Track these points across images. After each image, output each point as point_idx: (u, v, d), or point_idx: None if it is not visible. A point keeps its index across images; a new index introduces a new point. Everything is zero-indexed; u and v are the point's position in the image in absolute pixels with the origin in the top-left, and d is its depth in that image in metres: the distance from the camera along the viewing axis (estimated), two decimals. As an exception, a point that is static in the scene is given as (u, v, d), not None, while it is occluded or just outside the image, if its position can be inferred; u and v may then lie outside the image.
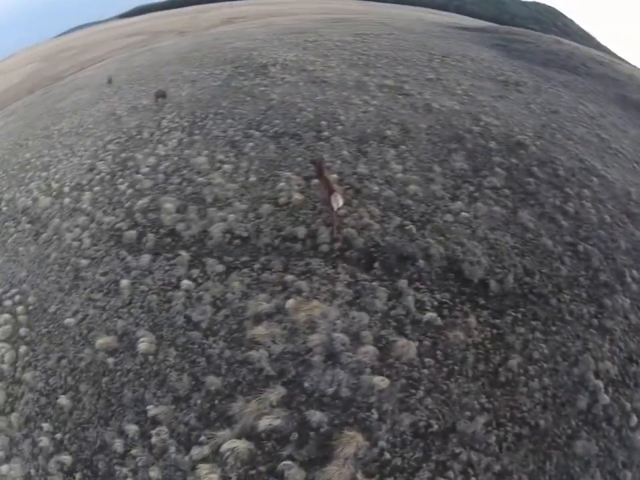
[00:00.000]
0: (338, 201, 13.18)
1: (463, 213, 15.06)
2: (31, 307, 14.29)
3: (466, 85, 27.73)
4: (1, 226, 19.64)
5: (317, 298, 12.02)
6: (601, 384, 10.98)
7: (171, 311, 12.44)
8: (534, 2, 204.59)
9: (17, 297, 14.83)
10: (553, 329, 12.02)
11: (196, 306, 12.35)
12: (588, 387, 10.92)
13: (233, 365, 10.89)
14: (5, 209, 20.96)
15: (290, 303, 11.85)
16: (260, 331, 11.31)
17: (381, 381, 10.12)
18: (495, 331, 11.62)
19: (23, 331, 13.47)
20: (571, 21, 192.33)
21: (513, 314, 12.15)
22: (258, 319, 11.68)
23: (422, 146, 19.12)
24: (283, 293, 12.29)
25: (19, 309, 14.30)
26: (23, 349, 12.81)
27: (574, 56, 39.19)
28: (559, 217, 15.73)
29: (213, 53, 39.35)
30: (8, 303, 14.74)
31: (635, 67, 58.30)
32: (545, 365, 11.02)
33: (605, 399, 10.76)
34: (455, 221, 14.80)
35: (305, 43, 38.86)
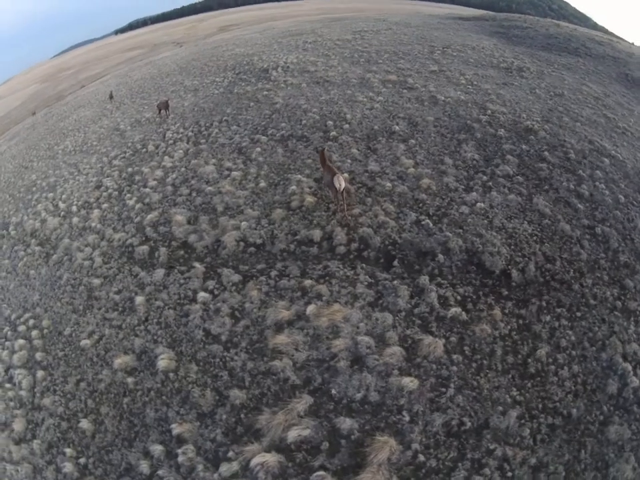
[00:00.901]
0: (340, 182, 13.51)
1: (479, 204, 14.72)
2: (45, 331, 14.00)
3: (469, 74, 27.36)
4: (11, 250, 19.41)
5: (337, 301, 11.65)
6: (629, 367, 10.67)
7: (189, 325, 12.10)
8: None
9: (31, 322, 14.55)
10: (578, 314, 11.70)
11: (214, 318, 11.97)
12: (617, 370, 10.61)
13: (256, 376, 10.51)
14: (13, 232, 20.71)
15: (311, 308, 11.49)
16: (282, 339, 10.95)
17: (410, 382, 9.78)
18: (520, 321, 11.31)
19: (39, 355, 13.15)
20: (566, 3, 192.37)
21: (537, 302, 11.82)
22: (279, 327, 11.32)
23: (431, 139, 18.80)
24: (302, 299, 11.93)
25: (34, 333, 14.01)
26: (40, 374, 12.50)
27: (573, 38, 38.75)
28: (575, 201, 15.37)
29: (213, 61, 39.36)
30: (22, 328, 14.45)
31: (633, 44, 57.80)
32: (574, 352, 10.80)
33: (635, 381, 10.43)
34: (471, 212, 14.45)
35: (305, 44, 38.86)
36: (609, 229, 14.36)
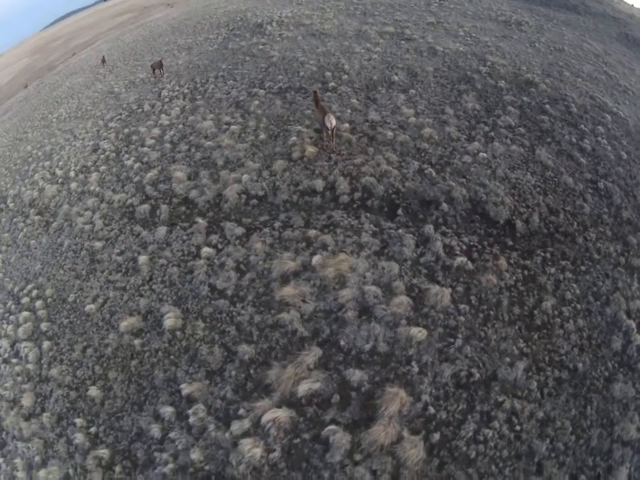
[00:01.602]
0: (331, 120, 14.08)
1: (481, 154, 14.47)
2: (49, 300, 13.78)
3: (467, 26, 26.84)
4: (10, 223, 19.10)
5: (343, 251, 11.42)
6: (633, 324, 10.71)
7: (193, 281, 11.88)
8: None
9: (34, 292, 14.35)
10: (583, 268, 11.61)
11: (219, 273, 11.75)
12: (621, 327, 10.60)
13: (264, 330, 10.37)
14: (11, 205, 20.38)
15: (316, 259, 11.25)
16: (288, 291, 10.74)
17: (418, 332, 9.67)
18: (526, 272, 11.20)
19: (44, 326, 13.03)
20: None
21: (542, 254, 11.71)
22: (285, 279, 11.11)
23: (431, 89, 18.44)
24: (307, 250, 11.71)
25: (38, 303, 13.78)
26: (46, 344, 12.43)
27: None
28: (577, 154, 15.11)
29: (206, 19, 38.56)
30: (25, 300, 14.24)
31: (632, 5, 56.63)
32: (579, 306, 10.77)
33: (639, 339, 10.45)
34: (473, 161, 14.18)
35: (299, -2, 37.60)
36: (611, 185, 14.16)
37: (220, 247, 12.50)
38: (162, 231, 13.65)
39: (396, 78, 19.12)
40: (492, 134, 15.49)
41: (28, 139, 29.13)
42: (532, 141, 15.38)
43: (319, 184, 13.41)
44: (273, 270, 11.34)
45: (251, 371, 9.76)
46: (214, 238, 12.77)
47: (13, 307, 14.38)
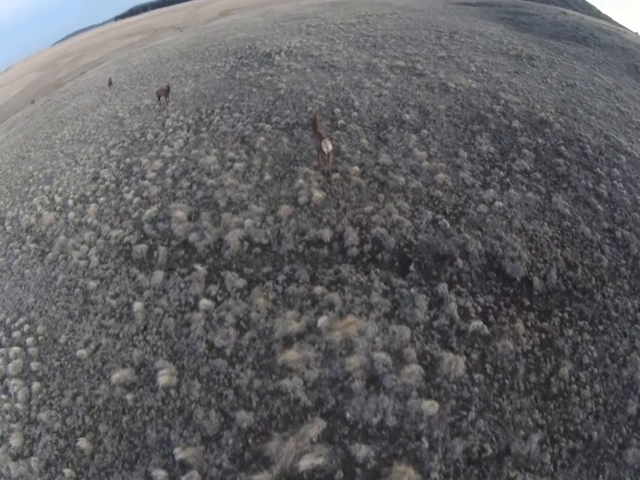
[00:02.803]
0: (328, 145, 14.40)
1: (497, 202, 13.87)
2: (40, 338, 13.20)
3: (479, 61, 26.33)
4: (6, 247, 18.61)
5: (351, 312, 10.79)
6: None
7: (190, 336, 11.24)
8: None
9: (26, 327, 13.79)
10: (601, 327, 10.98)
11: (218, 329, 11.11)
12: (637, 389, 9.99)
13: (264, 396, 9.73)
14: (9, 228, 19.86)
15: (322, 320, 10.60)
16: (291, 355, 10.12)
17: (430, 406, 9.04)
18: (543, 336, 10.57)
19: (34, 365, 12.40)
20: None
21: (560, 314, 11.08)
22: (288, 341, 10.48)
23: (444, 129, 17.86)
24: (313, 309, 11.06)
25: (29, 340, 13.24)
26: (35, 385, 11.86)
27: (581, 26, 37.86)
28: (594, 201, 14.51)
29: (214, 46, 38.37)
30: (17, 334, 13.69)
31: (638, 34, 56.76)
32: (596, 370, 10.17)
33: None
34: (489, 211, 13.58)
35: (308, 28, 37.83)
36: (628, 233, 13.58)
37: (219, 299, 11.87)
38: (159, 275, 13.06)
39: (407, 117, 18.57)
40: (507, 180, 14.96)
41: (30, 159, 28.67)
42: (548, 187, 14.83)
43: (327, 234, 12.81)
44: (276, 330, 10.73)
45: (250, 440, 9.15)
46: (213, 289, 12.15)
47: (3, 339, 13.81)
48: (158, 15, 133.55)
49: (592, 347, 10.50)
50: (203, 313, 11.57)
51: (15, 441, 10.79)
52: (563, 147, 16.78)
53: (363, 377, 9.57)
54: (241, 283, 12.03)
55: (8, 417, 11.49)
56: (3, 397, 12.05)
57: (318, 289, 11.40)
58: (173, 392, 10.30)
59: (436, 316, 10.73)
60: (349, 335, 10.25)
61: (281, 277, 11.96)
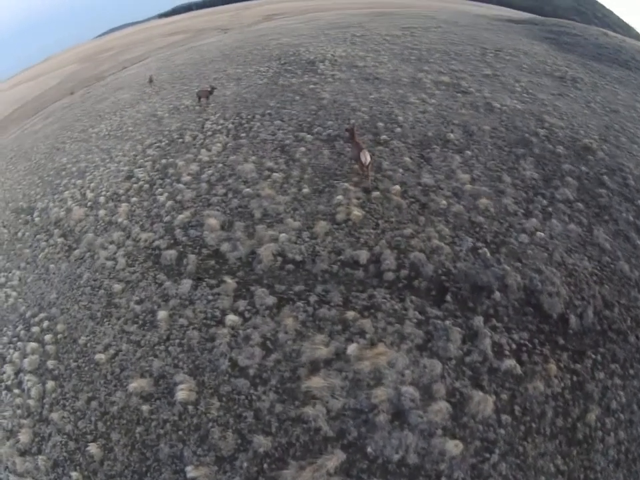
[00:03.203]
0: (366, 157, 14.41)
1: (539, 233, 13.23)
2: (60, 336, 12.97)
3: (524, 81, 25.79)
4: (33, 239, 18.60)
5: (382, 341, 10.27)
6: None
7: (214, 352, 10.79)
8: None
9: (45, 323, 13.59)
10: (631, 372, 10.56)
11: (243, 347, 10.65)
12: None
13: (284, 422, 9.29)
14: (37, 219, 19.90)
15: (352, 348, 10.10)
16: (317, 382, 9.64)
17: (454, 446, 8.64)
18: (574, 378, 10.09)
19: (50, 363, 12.21)
20: (610, 11, 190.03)
21: (593, 356, 10.58)
22: (315, 367, 10.01)
23: (488, 151, 17.24)
24: (343, 334, 10.54)
25: (47, 337, 13.01)
26: (50, 384, 11.64)
27: (623, 49, 37.23)
28: (634, 236, 13.90)
29: (258, 50, 38.12)
30: (36, 329, 13.52)
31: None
32: (622, 416, 9.80)
33: None
34: (530, 242, 12.96)
35: (353, 37, 37.34)
36: None
37: (247, 315, 11.39)
38: (186, 284, 12.64)
39: (451, 136, 18.01)
40: (550, 209, 14.32)
41: (65, 150, 28.73)
42: (590, 219, 14.19)
43: (363, 255, 12.26)
44: (303, 353, 10.23)
45: (265, 466, 8.76)
46: (242, 304, 11.67)
47: (22, 332, 13.68)
48: (201, 16, 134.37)
49: (621, 392, 10.10)
50: (228, 329, 11.12)
51: (24, 436, 10.67)
52: (605, 177, 16.18)
53: (389, 411, 9.13)
54: (270, 300, 11.56)
55: (19, 411, 11.35)
56: (16, 391, 11.91)
57: (350, 314, 10.89)
58: (190, 408, 9.93)
59: (469, 351, 10.23)
60: (379, 365, 9.77)
61: (312, 298, 11.47)
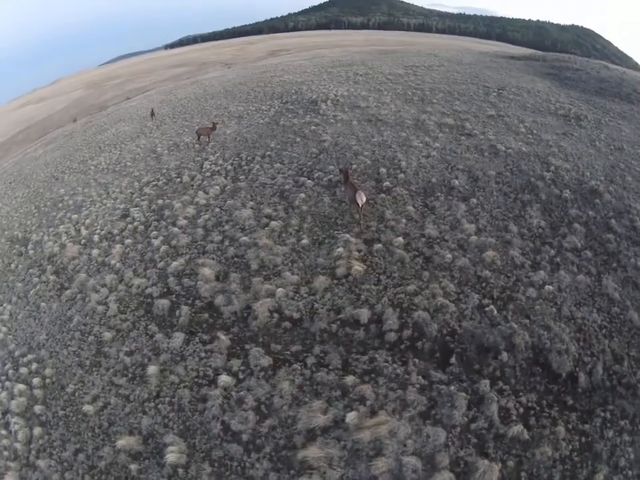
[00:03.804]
0: (362, 198, 14.65)
1: (547, 286, 12.73)
2: (47, 381, 12.75)
3: (528, 121, 25.52)
4: (26, 272, 18.35)
5: (384, 409, 9.80)
6: None
7: (205, 413, 10.36)
8: (572, 25, 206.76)
9: (34, 366, 13.37)
10: None
11: (236, 411, 10.19)
12: None
13: (280, 493, 8.82)
14: (31, 252, 19.68)
15: (351, 416, 9.61)
16: (314, 452, 9.17)
17: None
18: (583, 440, 9.59)
19: (38, 408, 12.05)
20: (608, 42, 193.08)
21: (602, 414, 10.08)
22: (311, 436, 9.54)
23: (493, 198, 16.84)
24: (342, 401, 10.08)
25: (35, 380, 12.82)
26: (37, 430, 11.51)
27: (624, 82, 37.13)
28: None
29: (260, 87, 38.23)
30: (24, 370, 13.33)
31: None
32: (630, 473, 9.30)
33: None
34: (538, 296, 12.48)
35: (355, 76, 37.36)
36: None
37: (241, 376, 10.94)
38: (179, 339, 12.22)
39: (456, 182, 17.64)
40: (558, 259, 13.91)
41: (64, 181, 28.72)
42: (598, 268, 13.77)
43: (364, 314, 11.79)
44: (299, 420, 9.76)
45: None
46: (235, 364, 11.22)
47: (10, 372, 13.56)
48: (207, 48, 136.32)
49: (629, 449, 9.60)
50: (221, 390, 10.68)
51: None
52: (613, 220, 15.81)
53: None
54: (266, 361, 11.09)
55: (6, 453, 11.26)
56: (3, 432, 11.86)
57: (349, 379, 10.41)
58: (180, 471, 9.62)
59: (474, 418, 9.75)
60: (379, 435, 9.30)
61: (310, 360, 11.01)
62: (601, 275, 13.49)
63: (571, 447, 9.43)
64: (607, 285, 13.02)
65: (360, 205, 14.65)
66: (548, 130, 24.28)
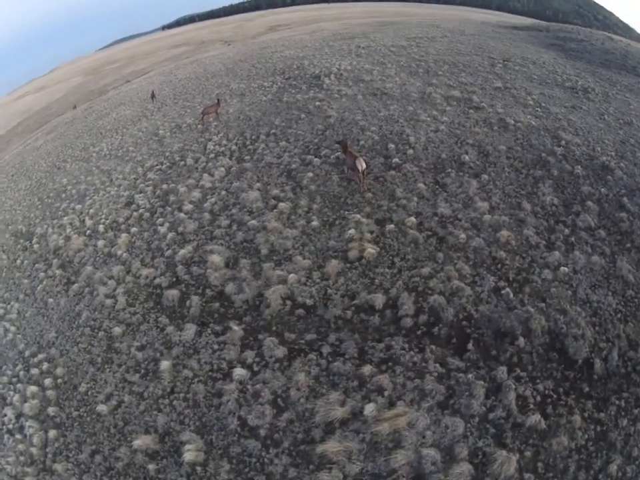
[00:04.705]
0: (362, 164, 14.94)
1: (562, 268, 12.35)
2: (60, 381, 12.48)
3: (536, 93, 24.89)
4: (32, 268, 18.04)
5: (402, 399, 9.55)
6: None
7: (221, 409, 10.11)
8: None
9: (45, 365, 13.09)
10: None
11: (252, 405, 9.94)
12: None
13: (299, 489, 8.64)
14: (36, 246, 19.36)
15: (369, 408, 9.34)
16: (333, 445, 8.95)
17: None
18: (598, 429, 9.43)
19: (51, 410, 11.76)
20: (610, 13, 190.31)
21: (617, 402, 9.84)
22: (330, 429, 9.31)
23: (505, 174, 16.36)
24: (360, 391, 9.82)
25: (47, 381, 12.52)
26: (52, 433, 11.20)
27: (629, 54, 36.49)
28: None
29: (262, 63, 37.69)
30: (35, 371, 13.04)
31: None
32: None
33: None
34: (554, 278, 12.11)
35: (358, 49, 36.71)
36: None
37: (256, 368, 10.66)
38: (190, 330, 11.92)
39: (466, 158, 17.12)
40: (572, 239, 13.45)
41: (66, 170, 28.37)
42: (612, 248, 13.33)
43: (379, 299, 11.42)
44: (317, 413, 9.51)
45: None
46: (249, 355, 10.93)
47: (21, 373, 13.25)
48: (205, 27, 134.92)
49: None
50: (236, 384, 10.42)
51: None
52: (625, 199, 15.32)
53: (409, 475, 8.57)
54: (280, 352, 10.79)
55: (22, 458, 10.96)
56: (18, 436, 11.55)
57: (367, 368, 10.12)
58: (199, 469, 9.41)
59: (493, 407, 9.52)
60: (398, 427, 9.07)
61: (325, 349, 10.72)
62: (615, 255, 13.13)
63: (586, 436, 9.28)
64: (622, 266, 12.65)
65: (360, 171, 14.81)
66: (556, 102, 23.77)
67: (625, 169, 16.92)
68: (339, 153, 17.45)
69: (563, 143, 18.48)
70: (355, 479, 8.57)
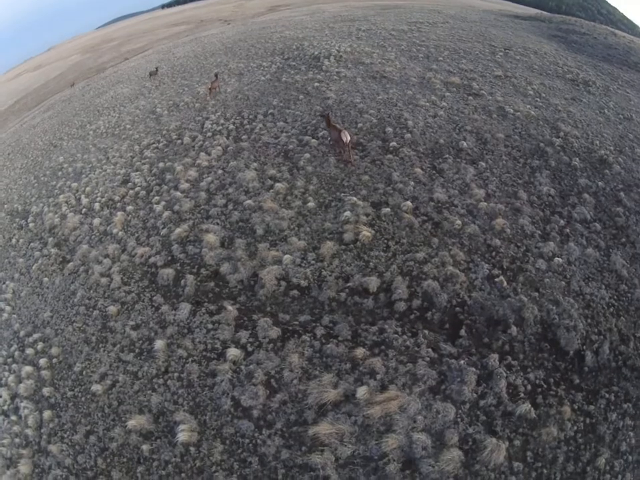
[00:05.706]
0: (347, 136, 15.49)
1: (557, 259, 12.52)
2: (54, 360, 12.47)
3: (536, 83, 24.86)
4: (27, 247, 18.00)
5: (394, 383, 9.60)
6: None
7: (215, 389, 10.12)
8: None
9: (40, 345, 13.07)
10: None
11: (246, 385, 9.95)
12: None
13: (291, 469, 8.79)
14: (31, 225, 19.29)
15: (362, 391, 9.41)
16: (325, 428, 9.00)
17: None
18: (587, 421, 9.62)
19: (46, 390, 11.72)
20: (614, 8, 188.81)
21: (607, 396, 10.09)
22: (322, 411, 9.35)
23: (502, 162, 16.42)
24: (352, 374, 9.86)
25: (42, 361, 12.51)
26: (47, 414, 11.20)
27: (632, 50, 36.27)
28: None
29: (261, 43, 37.41)
30: (30, 351, 13.01)
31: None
32: (630, 458, 9.32)
33: None
34: (548, 268, 12.25)
35: (358, 32, 36.49)
36: None
37: (249, 349, 10.64)
38: (185, 310, 11.91)
39: (464, 144, 17.11)
40: (567, 230, 13.60)
41: (62, 148, 28.25)
42: (607, 242, 13.49)
43: (373, 282, 11.42)
44: (309, 395, 9.53)
45: (270, 517, 8.22)
46: (243, 335, 10.90)
47: (16, 353, 13.27)
48: (205, 6, 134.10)
49: (631, 433, 9.63)
50: (230, 364, 10.41)
51: (24, 467, 10.34)
52: (622, 193, 15.46)
53: (400, 459, 8.62)
54: (274, 332, 10.79)
55: (17, 440, 10.97)
56: (13, 417, 11.57)
57: (359, 351, 10.15)
58: (192, 450, 9.42)
59: (483, 394, 9.61)
60: (390, 410, 9.13)
61: (319, 331, 10.71)
62: (610, 249, 13.31)
63: (575, 427, 9.46)
64: (616, 260, 12.85)
65: (345, 142, 15.29)
66: (556, 94, 23.80)
67: (623, 164, 17.05)
68: (322, 124, 17.84)
69: (562, 134, 18.56)
70: (347, 462, 8.62)
